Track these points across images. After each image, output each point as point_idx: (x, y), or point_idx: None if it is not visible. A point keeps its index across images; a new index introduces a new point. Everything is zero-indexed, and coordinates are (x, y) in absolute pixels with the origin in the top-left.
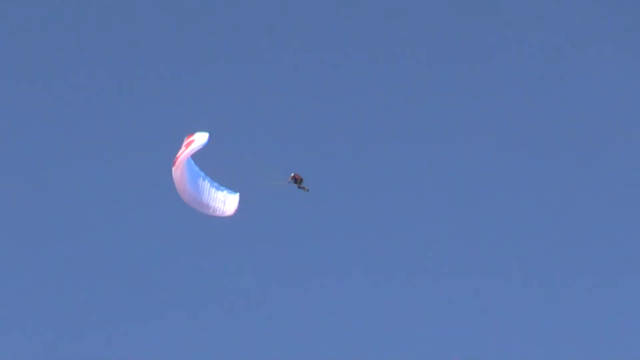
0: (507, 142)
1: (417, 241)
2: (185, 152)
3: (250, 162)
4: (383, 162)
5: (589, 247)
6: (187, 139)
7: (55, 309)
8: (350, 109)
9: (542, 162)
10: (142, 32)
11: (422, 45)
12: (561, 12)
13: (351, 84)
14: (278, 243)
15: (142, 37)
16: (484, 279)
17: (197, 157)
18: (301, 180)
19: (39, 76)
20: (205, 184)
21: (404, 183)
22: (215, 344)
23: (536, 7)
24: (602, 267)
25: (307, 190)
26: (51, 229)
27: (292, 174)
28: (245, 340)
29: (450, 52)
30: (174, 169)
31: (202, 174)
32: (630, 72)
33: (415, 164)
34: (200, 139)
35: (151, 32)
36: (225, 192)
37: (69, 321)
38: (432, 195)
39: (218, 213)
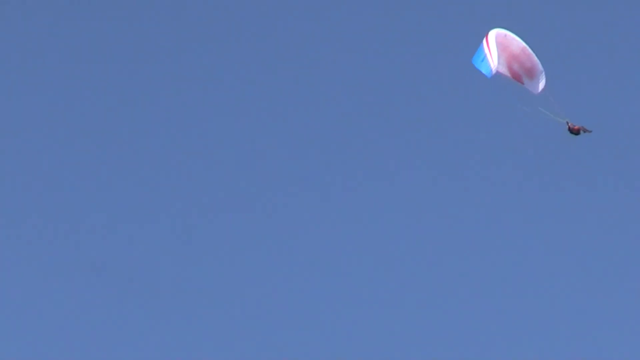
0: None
1: (418, 241)
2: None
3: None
4: (381, 161)
5: (591, 249)
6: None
7: (54, 308)
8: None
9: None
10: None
11: (421, 43)
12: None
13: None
14: (278, 241)
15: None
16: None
17: None
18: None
19: (37, 75)
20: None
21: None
22: (215, 344)
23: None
24: (605, 269)
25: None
26: (50, 228)
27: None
28: (246, 340)
29: (450, 51)
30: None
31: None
32: (631, 71)
33: (419, 163)
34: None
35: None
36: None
37: (68, 321)
38: (435, 196)
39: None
